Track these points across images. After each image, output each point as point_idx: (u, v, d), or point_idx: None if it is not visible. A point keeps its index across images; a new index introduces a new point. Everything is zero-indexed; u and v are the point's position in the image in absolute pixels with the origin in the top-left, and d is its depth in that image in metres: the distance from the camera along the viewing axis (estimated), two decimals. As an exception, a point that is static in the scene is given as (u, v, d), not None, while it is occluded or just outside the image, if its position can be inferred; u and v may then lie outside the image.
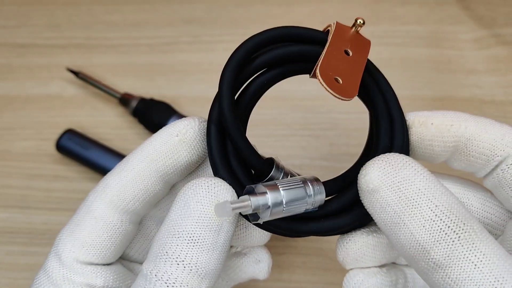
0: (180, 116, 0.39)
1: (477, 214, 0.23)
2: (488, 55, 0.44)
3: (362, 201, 0.20)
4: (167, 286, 0.18)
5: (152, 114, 0.39)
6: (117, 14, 0.48)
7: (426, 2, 0.48)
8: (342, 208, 0.21)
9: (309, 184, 0.20)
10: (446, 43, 0.45)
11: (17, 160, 0.39)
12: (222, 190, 0.19)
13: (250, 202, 0.18)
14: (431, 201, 0.18)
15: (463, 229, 0.18)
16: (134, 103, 0.39)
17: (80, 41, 0.46)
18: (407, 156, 0.19)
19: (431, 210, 0.18)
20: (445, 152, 0.22)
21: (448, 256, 0.17)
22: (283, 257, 0.34)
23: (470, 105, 0.41)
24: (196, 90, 0.42)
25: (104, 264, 0.22)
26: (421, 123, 0.22)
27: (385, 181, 0.19)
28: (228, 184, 0.20)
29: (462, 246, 0.17)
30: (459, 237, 0.18)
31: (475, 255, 0.17)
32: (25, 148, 0.39)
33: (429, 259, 0.18)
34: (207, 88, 0.42)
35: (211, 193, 0.19)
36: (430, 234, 0.18)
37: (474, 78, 0.42)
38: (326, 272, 0.33)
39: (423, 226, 0.18)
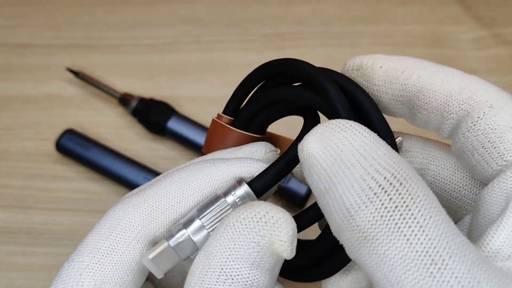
0: (180, 116, 0.39)
1: (445, 185, 0.20)
2: (488, 55, 0.44)
3: (303, 172, 0.16)
4: None
5: (152, 114, 0.39)
6: (117, 14, 0.47)
7: (426, 2, 0.47)
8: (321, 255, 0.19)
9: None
10: (446, 43, 0.45)
11: (16, 160, 0.39)
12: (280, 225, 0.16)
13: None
14: (366, 159, 0.14)
15: (397, 190, 0.14)
16: (134, 103, 0.39)
17: (80, 41, 0.46)
18: (352, 121, 0.16)
19: (363, 168, 0.14)
20: (394, 104, 0.19)
21: (375, 223, 0.14)
22: (283, 257, 0.34)
23: (470, 105, 0.41)
24: (196, 90, 0.42)
25: None
26: (369, 66, 0.19)
27: (322, 145, 0.15)
28: (288, 214, 0.16)
29: (394, 211, 0.14)
30: (390, 199, 0.14)
31: (409, 226, 0.13)
32: (25, 148, 0.39)
33: (354, 226, 0.14)
34: (207, 88, 0.42)
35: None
36: (357, 195, 0.14)
37: (474, 78, 0.42)
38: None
39: (352, 187, 0.14)
